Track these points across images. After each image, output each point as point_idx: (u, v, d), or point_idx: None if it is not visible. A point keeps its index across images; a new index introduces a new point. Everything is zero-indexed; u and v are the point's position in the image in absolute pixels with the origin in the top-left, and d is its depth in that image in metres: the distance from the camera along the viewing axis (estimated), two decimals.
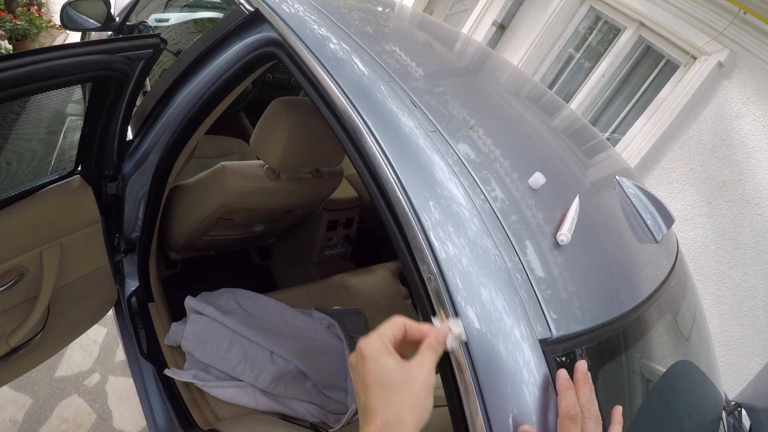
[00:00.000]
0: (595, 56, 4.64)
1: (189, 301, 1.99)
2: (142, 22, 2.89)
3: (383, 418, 0.69)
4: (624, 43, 4.26)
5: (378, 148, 1.02)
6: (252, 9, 1.51)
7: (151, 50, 1.34)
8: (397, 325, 0.77)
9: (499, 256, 0.91)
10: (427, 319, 0.91)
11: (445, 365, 0.87)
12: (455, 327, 0.82)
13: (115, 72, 1.30)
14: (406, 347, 0.81)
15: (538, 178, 1.07)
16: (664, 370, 1.27)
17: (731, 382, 3.15)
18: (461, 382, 0.85)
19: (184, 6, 3.08)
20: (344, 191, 2.91)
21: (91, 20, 2.38)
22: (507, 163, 1.12)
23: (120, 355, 3.02)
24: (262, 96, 3.36)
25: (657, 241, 1.33)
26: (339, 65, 1.19)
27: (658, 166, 3.77)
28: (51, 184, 1.55)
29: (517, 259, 0.92)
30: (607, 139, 2.49)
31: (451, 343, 0.80)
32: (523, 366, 0.83)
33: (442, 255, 0.89)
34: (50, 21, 6.39)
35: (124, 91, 1.42)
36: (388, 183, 0.98)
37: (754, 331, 3.23)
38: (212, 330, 1.89)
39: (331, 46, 1.25)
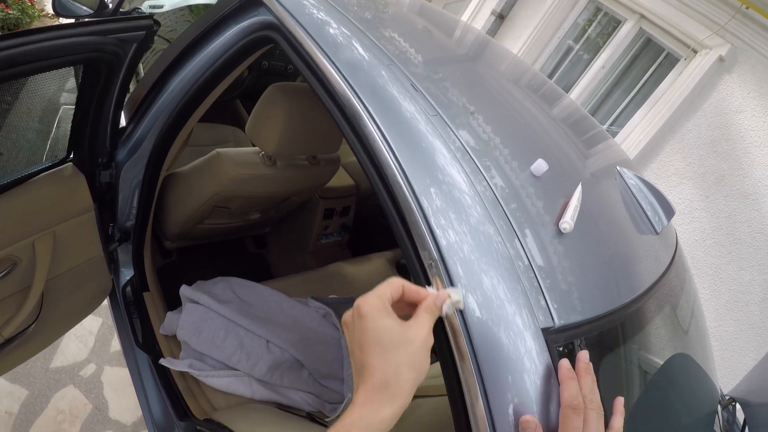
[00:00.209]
0: (594, 48, 4.63)
1: (184, 290, 1.98)
2: (136, 9, 2.86)
3: (381, 377, 0.69)
4: (624, 35, 4.24)
5: (378, 133, 1.00)
6: None
7: (143, 32, 1.32)
8: (395, 285, 0.77)
9: (501, 243, 0.90)
10: None
11: (445, 353, 0.86)
12: (454, 294, 0.81)
13: (106, 54, 1.29)
14: (403, 310, 0.80)
15: (540, 165, 1.06)
16: (662, 363, 1.26)
17: (726, 376, 3.15)
18: (462, 371, 0.84)
19: None
20: (341, 179, 2.90)
21: (84, 7, 2.35)
22: (508, 151, 1.10)
23: (115, 345, 3.00)
24: (258, 83, 3.34)
25: (657, 233, 1.32)
26: (338, 49, 1.17)
27: (657, 159, 3.76)
28: (43, 171, 1.54)
29: (519, 246, 0.91)
30: (606, 131, 2.48)
31: (447, 309, 0.80)
32: (524, 354, 0.82)
33: (443, 242, 0.88)
34: (42, 10, 6.35)
35: (117, 75, 1.40)
36: (388, 169, 0.97)
37: (749, 326, 3.23)
38: (208, 319, 1.88)
39: (330, 30, 1.23)
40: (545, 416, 0.80)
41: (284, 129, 1.82)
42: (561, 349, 0.86)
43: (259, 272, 2.93)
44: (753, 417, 1.69)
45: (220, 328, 1.87)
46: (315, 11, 1.28)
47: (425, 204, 0.91)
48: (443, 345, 0.85)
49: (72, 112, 1.47)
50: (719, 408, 1.65)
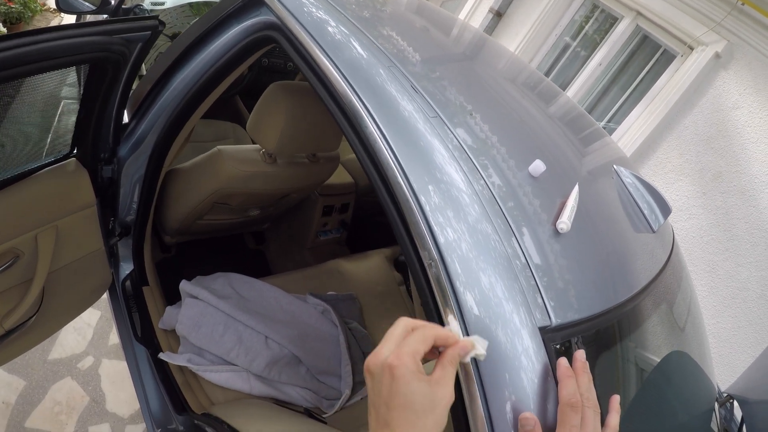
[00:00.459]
0: (591, 45, 4.63)
1: (184, 285, 1.99)
2: (138, 5, 2.88)
3: None
4: (621, 32, 4.24)
5: (378, 131, 1.01)
6: None
7: (149, 32, 1.33)
8: (428, 341, 0.75)
9: (499, 241, 0.91)
10: (428, 314, 0.92)
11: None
12: (479, 345, 0.79)
13: (112, 54, 1.29)
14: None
15: (538, 166, 1.07)
16: (659, 360, 1.27)
17: (723, 373, 3.16)
18: (460, 369, 0.85)
19: None
20: (340, 176, 2.91)
21: (87, 3, 2.36)
22: (505, 149, 1.11)
23: (114, 338, 3.01)
24: (258, 80, 3.35)
25: (654, 231, 1.33)
26: (338, 49, 1.18)
27: (654, 156, 3.76)
28: (46, 166, 1.55)
29: (516, 245, 0.92)
30: (603, 128, 2.48)
31: (469, 358, 0.79)
32: (521, 352, 0.83)
33: (441, 240, 0.89)
34: (45, 4, 6.33)
35: (122, 74, 1.41)
36: (388, 167, 0.98)
37: (746, 323, 3.24)
38: (207, 314, 1.89)
39: (330, 29, 1.24)
40: (542, 414, 0.81)
41: (285, 127, 1.83)
42: (558, 347, 0.87)
43: (258, 268, 2.94)
44: (750, 414, 1.69)
45: (219, 324, 1.88)
46: (315, 11, 1.29)
47: (424, 202, 0.92)
48: None
49: (73, 106, 1.48)
50: (716, 405, 1.66)
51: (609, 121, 4.30)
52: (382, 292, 2.51)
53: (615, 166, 1.46)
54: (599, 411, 0.80)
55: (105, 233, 1.86)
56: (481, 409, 0.82)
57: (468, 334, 0.84)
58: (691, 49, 3.67)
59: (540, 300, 0.88)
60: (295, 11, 1.29)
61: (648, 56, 4.17)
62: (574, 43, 4.80)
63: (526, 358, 0.83)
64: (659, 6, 3.86)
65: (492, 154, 1.07)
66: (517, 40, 4.93)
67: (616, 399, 0.88)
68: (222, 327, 1.87)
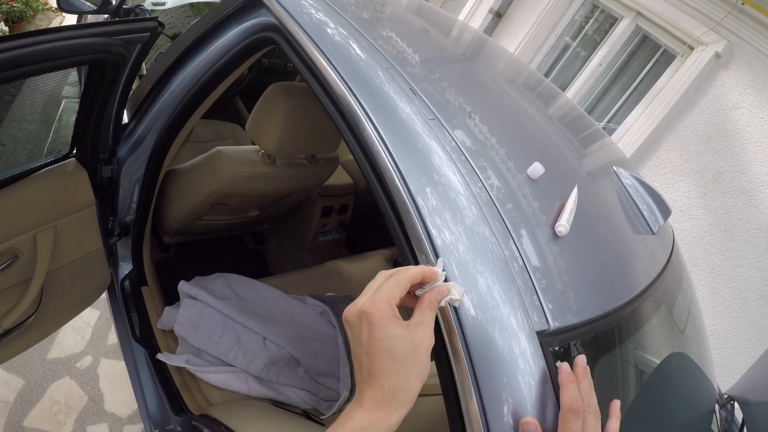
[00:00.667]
0: (591, 45, 4.63)
1: (182, 286, 1.99)
2: (139, 6, 2.87)
3: (391, 386, 0.70)
4: (621, 32, 4.25)
5: (376, 134, 1.01)
6: None
7: (148, 33, 1.33)
8: (403, 285, 0.76)
9: (497, 244, 0.90)
10: None
11: (440, 353, 0.87)
12: (455, 291, 0.81)
13: (112, 55, 1.30)
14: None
15: (536, 168, 1.07)
16: (659, 362, 1.27)
17: (724, 374, 3.16)
18: (456, 371, 0.84)
19: None
20: (339, 177, 2.91)
21: (88, 3, 2.36)
22: (504, 151, 1.11)
23: (112, 337, 3.01)
24: (257, 81, 3.35)
25: (654, 233, 1.33)
26: (337, 50, 1.18)
27: (654, 156, 3.76)
28: (46, 166, 1.55)
29: (514, 247, 0.92)
30: (603, 128, 2.48)
31: (445, 303, 0.80)
32: (519, 355, 0.83)
33: (438, 242, 0.89)
34: (46, 3, 6.32)
35: (121, 74, 1.41)
36: (385, 169, 0.98)
37: (747, 324, 3.24)
38: (205, 315, 1.89)
39: (329, 31, 1.24)
40: (541, 418, 0.81)
41: (284, 128, 1.83)
42: (556, 350, 0.87)
43: (257, 269, 2.94)
44: (752, 416, 1.69)
45: (218, 324, 1.88)
46: (314, 12, 1.29)
47: (421, 204, 0.92)
48: (438, 345, 0.85)
49: (73, 106, 1.48)
50: (717, 407, 1.65)
51: (609, 122, 4.29)
52: None
53: (614, 168, 1.46)
54: (600, 416, 0.80)
55: (104, 233, 1.86)
56: (478, 411, 0.82)
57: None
58: (691, 49, 3.67)
59: (538, 303, 0.88)
60: (294, 12, 1.28)
61: (648, 56, 4.17)
62: (574, 44, 4.80)
63: (524, 361, 0.83)
64: (659, 6, 3.86)
65: (491, 155, 1.07)
66: (517, 40, 4.93)
67: (616, 404, 0.87)
68: (220, 328, 1.87)
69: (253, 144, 2.02)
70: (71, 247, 1.74)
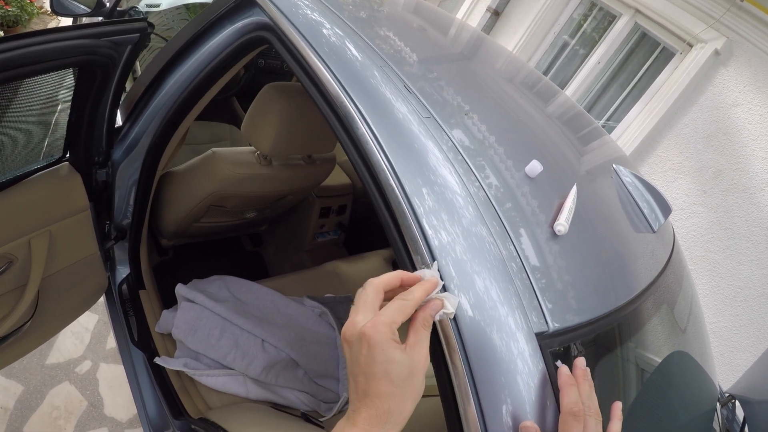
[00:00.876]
0: (590, 43, 4.62)
1: (180, 289, 1.98)
2: (133, 8, 2.86)
3: (386, 407, 0.69)
4: (619, 30, 4.24)
5: (370, 134, 1.00)
6: None
7: (137, 34, 1.32)
8: (406, 312, 0.75)
9: (494, 244, 0.90)
10: None
11: (437, 354, 0.86)
12: (449, 303, 0.80)
13: (100, 57, 1.28)
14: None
15: (534, 167, 1.05)
16: (660, 361, 1.26)
17: (724, 373, 3.15)
18: (453, 372, 0.84)
19: None
20: (337, 178, 2.90)
21: (82, 5, 2.35)
22: (502, 150, 1.10)
23: (111, 342, 3.00)
24: (254, 81, 3.34)
25: (654, 231, 1.32)
26: (331, 50, 1.17)
27: (653, 154, 3.76)
28: (39, 171, 1.53)
29: (512, 247, 0.91)
30: (603, 126, 2.48)
31: (440, 317, 0.79)
32: (517, 356, 0.82)
33: (435, 242, 0.88)
34: (41, 7, 6.32)
35: (111, 77, 1.40)
36: (380, 170, 0.97)
37: (748, 322, 3.23)
38: (203, 318, 1.88)
39: (323, 30, 1.23)
40: (540, 421, 0.80)
41: (280, 129, 1.82)
42: (557, 350, 0.86)
43: (256, 270, 2.93)
44: (753, 414, 1.68)
45: (216, 327, 1.87)
46: (309, 12, 1.28)
47: (417, 204, 0.91)
48: (435, 346, 0.85)
49: (65, 109, 1.47)
50: (718, 406, 1.65)
51: (608, 120, 4.29)
52: None
53: (614, 165, 1.45)
54: (601, 419, 0.79)
55: (100, 237, 1.85)
56: (475, 412, 0.81)
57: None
58: (690, 46, 3.66)
59: (536, 303, 0.87)
60: (287, 12, 1.28)
61: (647, 54, 4.17)
62: (573, 42, 4.80)
63: (522, 362, 0.82)
64: (658, 3, 3.85)
65: (489, 154, 1.06)
66: (515, 38, 4.93)
67: (617, 406, 0.87)
68: (218, 331, 1.86)
69: (250, 145, 2.01)
70: (67, 251, 1.73)
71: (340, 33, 1.23)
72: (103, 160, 1.76)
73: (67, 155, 1.61)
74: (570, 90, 4.48)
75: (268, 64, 3.34)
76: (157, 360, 1.87)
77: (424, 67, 1.28)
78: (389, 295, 0.78)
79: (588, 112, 2.50)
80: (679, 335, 1.43)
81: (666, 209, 1.38)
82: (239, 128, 3.10)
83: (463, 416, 0.83)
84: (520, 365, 0.82)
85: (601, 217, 1.22)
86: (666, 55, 3.97)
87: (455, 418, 0.85)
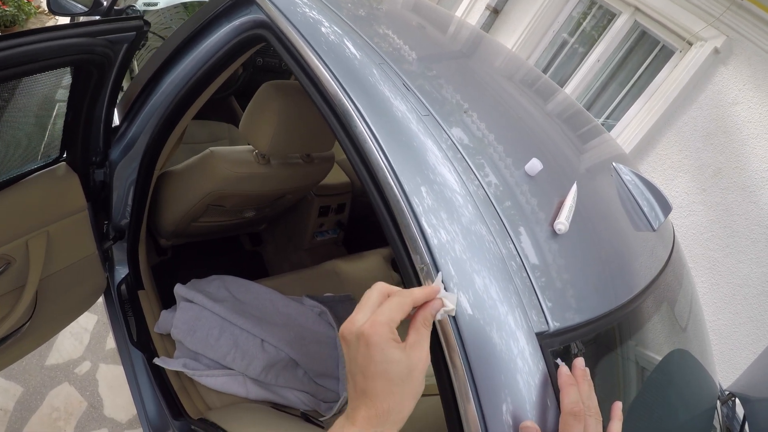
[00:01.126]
0: (589, 41, 4.62)
1: (178, 289, 1.97)
2: (131, 6, 2.85)
3: (385, 407, 0.69)
4: (619, 28, 4.24)
5: (368, 132, 1.00)
6: None
7: (133, 33, 1.31)
8: (404, 309, 0.74)
9: (494, 242, 0.89)
10: None
11: (437, 354, 0.86)
12: (448, 301, 0.80)
13: (96, 56, 1.28)
14: None
15: (534, 165, 1.05)
16: (660, 359, 1.26)
17: (724, 370, 3.15)
18: (453, 371, 0.83)
19: None
20: (336, 176, 2.90)
21: (79, 5, 2.34)
22: (501, 148, 1.10)
23: (111, 342, 3.00)
24: (252, 80, 3.33)
25: (654, 230, 1.32)
26: (329, 48, 1.17)
27: (653, 152, 3.76)
28: (36, 171, 1.53)
29: (511, 246, 0.90)
30: (602, 124, 2.47)
31: (441, 316, 0.79)
32: (517, 355, 0.82)
33: (434, 241, 0.87)
34: (39, 7, 6.31)
35: (108, 75, 1.39)
36: (378, 168, 0.96)
37: (747, 319, 3.23)
38: (202, 318, 1.88)
39: (322, 28, 1.22)
40: (541, 420, 0.80)
41: (278, 127, 1.81)
42: (557, 350, 0.85)
43: (255, 269, 2.92)
44: (753, 412, 1.68)
45: (215, 327, 1.86)
46: (307, 10, 1.28)
47: (416, 203, 0.91)
48: (434, 345, 0.84)
49: (61, 109, 1.46)
50: (718, 404, 1.64)
51: (608, 118, 4.29)
52: None
53: (614, 164, 1.45)
54: (601, 419, 0.78)
55: (99, 237, 1.85)
56: (475, 411, 0.81)
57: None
58: (690, 44, 3.66)
59: (536, 301, 0.87)
60: (285, 9, 1.27)
61: (646, 52, 4.17)
62: (572, 40, 4.80)
63: (522, 360, 0.82)
64: (657, 1, 3.86)
65: (488, 152, 1.06)
66: (514, 37, 4.92)
67: (618, 406, 0.86)
68: (217, 331, 1.86)
69: (248, 144, 2.01)
70: (65, 252, 1.72)
71: (339, 31, 1.23)
72: (101, 160, 1.75)
73: (64, 155, 1.60)
74: (569, 88, 4.48)
75: (267, 62, 3.34)
76: (156, 360, 1.87)
77: (423, 65, 1.27)
78: None
79: (587, 110, 2.50)
80: (679, 333, 1.43)
81: (666, 208, 1.38)
82: (237, 127, 3.10)
83: (463, 415, 0.83)
84: (520, 364, 0.81)
85: (601, 216, 1.21)
86: (665, 54, 3.97)
87: (455, 418, 0.84)
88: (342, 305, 2.24)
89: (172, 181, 2.09)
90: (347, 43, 1.19)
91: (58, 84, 1.43)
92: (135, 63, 2.81)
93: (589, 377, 0.83)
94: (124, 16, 2.63)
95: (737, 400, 1.79)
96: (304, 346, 1.94)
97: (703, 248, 3.44)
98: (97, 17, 2.47)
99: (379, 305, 0.74)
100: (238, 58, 1.56)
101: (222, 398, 1.84)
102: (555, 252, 0.96)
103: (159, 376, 1.87)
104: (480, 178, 0.97)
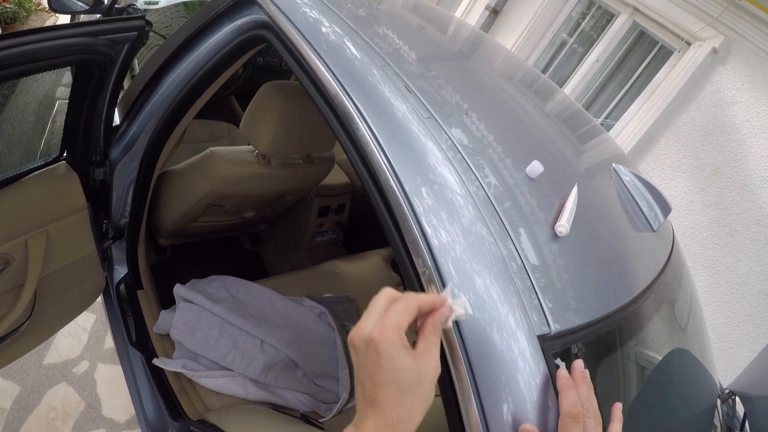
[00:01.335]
0: (588, 42, 4.63)
1: (178, 289, 1.97)
2: (131, 5, 2.85)
3: (394, 416, 0.67)
4: (618, 28, 4.25)
5: (370, 133, 1.00)
6: None
7: (135, 33, 1.31)
8: (411, 311, 0.73)
9: (494, 243, 0.89)
10: None
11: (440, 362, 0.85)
12: (457, 307, 0.78)
13: (98, 55, 1.27)
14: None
15: (535, 167, 1.05)
16: (660, 359, 1.26)
17: (724, 369, 3.16)
18: (456, 375, 0.83)
19: None
20: (336, 177, 2.89)
21: (80, 3, 2.34)
22: (501, 149, 1.10)
23: (109, 342, 3.00)
24: (252, 80, 3.33)
25: (654, 230, 1.32)
26: (330, 49, 1.16)
27: (652, 152, 3.76)
28: (36, 170, 1.53)
29: (512, 246, 0.91)
30: (601, 124, 2.48)
31: (450, 322, 0.78)
32: (518, 355, 0.82)
33: (434, 242, 0.88)
34: (39, 4, 6.30)
35: (109, 75, 1.39)
36: (379, 169, 0.96)
37: (747, 318, 3.24)
38: (202, 318, 1.88)
39: (323, 29, 1.22)
40: (541, 421, 0.80)
41: (278, 128, 1.81)
42: (558, 352, 0.85)
43: (254, 270, 2.92)
44: (753, 410, 1.68)
45: (214, 328, 1.86)
46: (308, 10, 1.28)
47: (416, 204, 0.91)
48: None
49: (61, 108, 1.46)
50: (719, 402, 1.65)
51: (607, 118, 4.29)
52: None
53: (614, 165, 1.45)
54: (601, 421, 0.78)
55: (98, 236, 1.85)
56: (477, 412, 0.81)
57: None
58: (689, 44, 3.66)
59: (537, 302, 0.87)
60: (286, 10, 1.27)
61: (645, 52, 4.18)
62: (571, 40, 4.80)
63: (523, 361, 0.82)
64: (656, 2, 3.86)
65: (488, 153, 1.06)
66: (513, 37, 4.93)
67: (618, 407, 0.86)
68: (217, 331, 1.85)
69: (248, 144, 2.01)
70: (64, 251, 1.72)
71: (339, 31, 1.23)
72: (101, 159, 1.75)
73: (65, 154, 1.60)
74: (568, 88, 4.48)
75: (267, 62, 3.33)
76: (155, 361, 1.86)
77: (423, 66, 1.27)
78: None
79: (586, 110, 2.50)
80: (679, 333, 1.43)
81: (665, 208, 1.38)
82: (238, 127, 3.10)
83: (464, 416, 0.83)
84: (521, 364, 0.82)
85: (601, 217, 1.21)
86: (664, 53, 3.98)
87: (457, 418, 0.84)
88: (342, 306, 2.24)
89: (171, 180, 2.09)
90: (348, 43, 1.19)
91: (59, 83, 1.43)
92: (135, 62, 2.81)
93: (589, 379, 0.83)
94: (125, 15, 2.64)
95: (737, 399, 1.79)
96: (304, 347, 1.94)
97: (702, 247, 3.45)
98: (98, 15, 2.47)
99: (387, 310, 0.73)
100: (239, 58, 1.56)
101: (221, 399, 1.84)
102: (555, 253, 0.96)
103: (158, 376, 1.87)
104: (480, 179, 0.98)
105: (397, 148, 0.98)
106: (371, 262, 2.65)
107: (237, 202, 2.18)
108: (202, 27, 1.55)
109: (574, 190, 1.09)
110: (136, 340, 1.96)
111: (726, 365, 3.23)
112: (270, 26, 1.31)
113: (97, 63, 1.30)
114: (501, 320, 0.83)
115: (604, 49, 4.34)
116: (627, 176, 1.42)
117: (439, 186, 0.93)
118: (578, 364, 0.84)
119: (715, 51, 3.45)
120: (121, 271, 2.08)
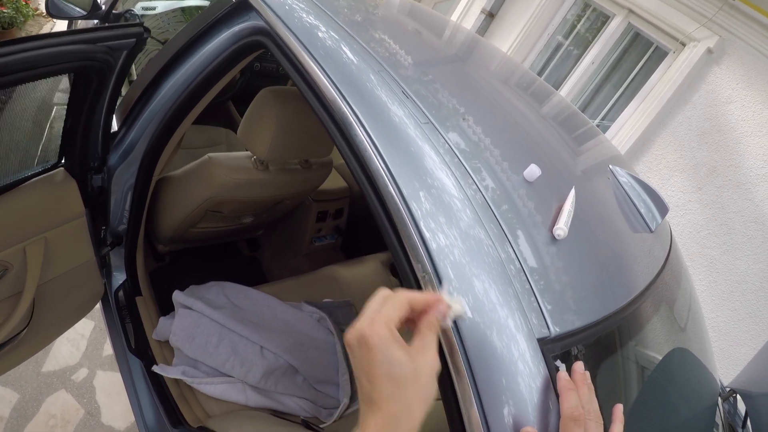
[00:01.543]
0: (583, 44, 4.64)
1: (177, 296, 1.97)
2: (129, 11, 2.85)
3: (391, 411, 0.67)
4: (613, 30, 4.26)
5: (367, 138, 1.00)
6: None
7: (133, 40, 1.31)
8: (402, 306, 0.73)
9: (492, 246, 0.89)
10: None
11: (439, 358, 0.85)
12: (456, 305, 0.78)
13: (96, 62, 1.28)
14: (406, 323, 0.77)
15: (533, 171, 1.05)
16: (661, 358, 1.26)
17: (724, 367, 3.16)
18: (456, 378, 0.83)
19: None
20: (334, 181, 2.89)
21: (77, 8, 2.34)
22: (499, 152, 1.10)
23: (108, 349, 2.99)
24: (250, 85, 3.33)
25: (651, 231, 1.32)
26: (328, 54, 1.17)
27: (649, 152, 3.77)
28: (34, 177, 1.52)
29: (510, 249, 0.91)
30: (597, 126, 2.49)
31: (450, 321, 0.78)
32: (518, 358, 0.82)
33: (433, 246, 0.88)
34: (37, 9, 6.30)
35: (107, 82, 1.39)
36: (377, 174, 0.96)
37: (746, 315, 3.25)
38: (201, 325, 1.87)
39: (320, 34, 1.22)
40: (542, 422, 0.80)
41: (276, 133, 1.81)
42: (558, 354, 0.86)
43: (253, 275, 2.92)
44: (754, 408, 1.69)
45: (214, 334, 1.86)
46: (305, 16, 1.28)
47: (414, 208, 0.91)
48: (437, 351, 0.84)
49: (61, 113, 1.46)
50: (720, 400, 1.65)
51: (603, 119, 4.31)
52: None
53: (610, 166, 1.45)
54: (602, 422, 0.78)
55: (96, 243, 1.84)
56: (478, 415, 0.81)
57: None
58: (683, 45, 3.68)
59: (536, 304, 0.87)
60: (284, 16, 1.27)
61: (640, 53, 4.19)
62: (567, 42, 4.82)
63: (523, 363, 0.82)
64: (651, 3, 3.88)
65: (485, 157, 1.06)
66: (509, 40, 4.94)
67: (619, 408, 0.86)
68: (216, 338, 1.85)
69: (246, 150, 2.01)
70: (62, 258, 1.72)
71: (336, 37, 1.23)
72: (99, 166, 1.75)
73: (62, 161, 1.60)
74: (564, 90, 4.49)
75: (264, 67, 3.34)
76: (154, 368, 1.86)
77: (420, 70, 1.27)
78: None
79: (582, 111, 2.51)
80: (679, 332, 1.44)
81: (663, 209, 1.38)
82: (235, 132, 3.10)
83: (466, 419, 0.83)
84: (521, 367, 0.82)
85: (599, 218, 1.22)
86: (659, 55, 3.99)
87: (458, 421, 0.85)
88: (341, 311, 2.24)
89: (170, 186, 2.09)
90: (345, 49, 1.20)
91: (56, 88, 1.43)
92: (133, 68, 2.81)
93: (589, 380, 0.83)
94: (123, 22, 2.64)
95: (738, 397, 1.79)
96: (303, 353, 1.94)
97: (700, 246, 3.46)
98: (95, 21, 2.47)
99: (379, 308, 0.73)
100: (237, 64, 1.56)
101: (221, 406, 1.83)
102: (554, 255, 0.96)
103: (157, 383, 1.86)
104: (478, 183, 0.98)
105: (395, 152, 0.98)
106: (370, 267, 2.65)
107: (235, 208, 2.18)
108: (199, 33, 1.55)
109: (572, 192, 1.09)
110: (135, 347, 1.95)
111: (726, 363, 3.24)
112: (267, 32, 1.31)
113: (95, 70, 1.30)
114: (500, 323, 0.83)
115: (599, 50, 4.35)
116: (624, 177, 1.42)
117: (437, 190, 0.93)
118: (578, 366, 0.84)
119: (709, 51, 3.47)
120: (119, 277, 2.07)
